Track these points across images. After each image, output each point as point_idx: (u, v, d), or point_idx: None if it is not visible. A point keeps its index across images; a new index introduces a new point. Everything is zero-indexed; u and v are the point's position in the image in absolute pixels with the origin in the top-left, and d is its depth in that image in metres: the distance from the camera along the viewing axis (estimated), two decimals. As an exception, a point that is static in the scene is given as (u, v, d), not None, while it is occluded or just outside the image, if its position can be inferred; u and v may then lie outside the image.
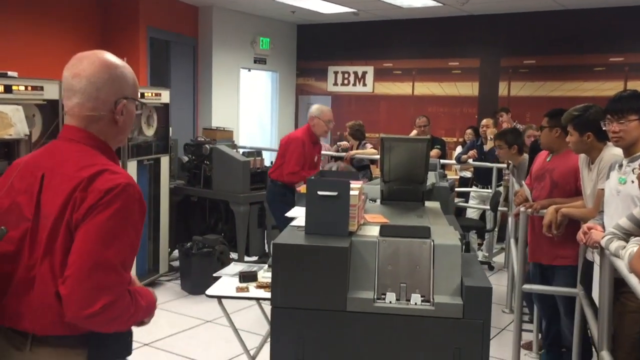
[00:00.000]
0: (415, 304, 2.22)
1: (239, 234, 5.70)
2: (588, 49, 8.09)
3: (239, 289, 3.13)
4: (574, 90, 8.20)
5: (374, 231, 2.43)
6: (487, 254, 7.00)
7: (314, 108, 5.05)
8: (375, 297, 2.23)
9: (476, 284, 2.19)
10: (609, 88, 7.73)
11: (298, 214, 2.61)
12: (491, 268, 6.70)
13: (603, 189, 3.13)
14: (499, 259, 6.98)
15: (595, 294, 3.07)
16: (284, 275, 2.22)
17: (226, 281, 3.30)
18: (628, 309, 2.71)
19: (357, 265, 2.28)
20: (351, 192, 2.38)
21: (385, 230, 2.39)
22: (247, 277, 3.21)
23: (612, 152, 3.25)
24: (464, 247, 6.49)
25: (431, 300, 2.22)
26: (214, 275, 3.41)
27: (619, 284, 2.65)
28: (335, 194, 2.34)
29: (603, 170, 3.23)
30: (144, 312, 1.63)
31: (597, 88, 7.98)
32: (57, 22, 6.90)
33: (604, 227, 2.98)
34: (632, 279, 2.19)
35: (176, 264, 5.85)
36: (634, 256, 2.15)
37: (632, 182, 2.85)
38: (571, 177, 3.67)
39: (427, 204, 3.26)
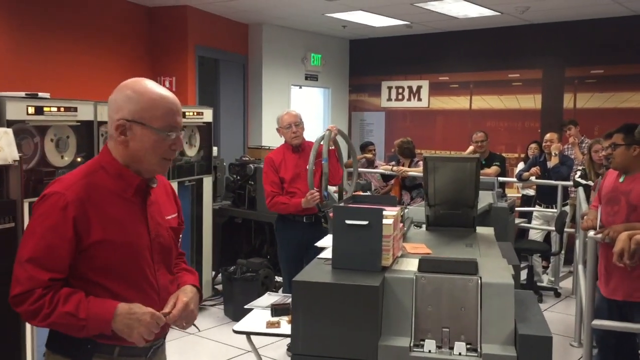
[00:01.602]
0: (460, 354, 1.89)
1: (283, 257, 5.44)
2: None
3: (269, 324, 2.87)
4: (645, 101, 7.60)
5: (412, 265, 2.12)
6: (552, 279, 6.49)
7: (278, 117, 4.58)
8: (411, 344, 1.91)
9: (533, 332, 1.83)
10: (687, 97, 7.11)
11: (328, 244, 2.33)
12: (557, 295, 6.19)
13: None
14: (566, 283, 6.46)
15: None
16: (305, 317, 1.93)
17: (257, 314, 3.05)
18: None
19: (391, 307, 1.97)
20: (385, 221, 2.08)
21: (424, 265, 2.07)
22: (280, 310, 2.94)
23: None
24: (527, 274, 5.95)
25: (478, 349, 1.88)
26: (245, 307, 3.16)
27: None
28: (365, 223, 2.05)
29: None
30: (74, 320, 1.67)
31: (670, 98, 7.35)
32: (105, 43, 6.90)
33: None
34: None
35: (221, 287, 5.66)
36: None
37: None
38: None
39: (480, 229, 2.91)
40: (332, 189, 4.77)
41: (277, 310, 2.94)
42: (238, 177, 5.93)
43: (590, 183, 5.35)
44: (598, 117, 7.74)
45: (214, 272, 5.78)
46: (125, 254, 1.78)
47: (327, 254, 2.21)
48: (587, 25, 7.91)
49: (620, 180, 3.41)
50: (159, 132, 1.79)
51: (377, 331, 1.91)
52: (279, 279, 5.55)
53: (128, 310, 1.72)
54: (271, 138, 8.45)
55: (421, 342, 1.92)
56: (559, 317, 5.55)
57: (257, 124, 8.62)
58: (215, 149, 5.74)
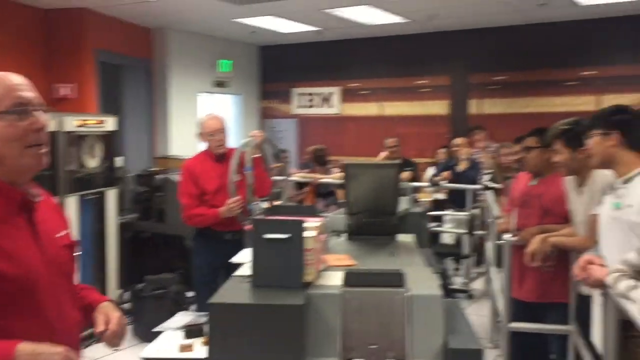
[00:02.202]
0: (389, 372, 1.78)
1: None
2: (558, 64, 7.85)
3: (182, 348, 2.66)
4: (545, 106, 7.93)
5: (336, 279, 2.00)
6: (465, 281, 6.61)
7: (199, 123, 4.03)
8: (339, 365, 1.79)
9: (463, 346, 1.76)
10: (582, 103, 7.49)
11: (245, 260, 2.16)
12: (470, 297, 6.29)
13: (596, 215, 2.75)
14: (478, 285, 6.59)
15: (596, 337, 2.68)
16: (223, 342, 1.77)
17: (169, 336, 2.82)
18: (638, 357, 2.31)
19: (316, 325, 1.84)
20: (306, 234, 1.95)
21: (350, 279, 1.96)
22: (193, 331, 2.73)
23: (604, 172, 2.88)
24: (441, 277, 6.00)
25: (408, 366, 1.79)
26: (153, 330, 2.92)
27: (626, 327, 2.26)
28: (286, 236, 1.91)
29: (596, 193, 2.86)
30: None
31: (569, 103, 7.72)
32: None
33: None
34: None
35: (129, 306, 5.32)
36: None
37: (631, 206, 2.48)
38: (564, 201, 3.29)
39: (400, 237, 2.85)
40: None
41: (190, 331, 2.74)
42: (145, 189, 5.61)
43: (499, 186, 5.48)
44: (501, 122, 8.01)
45: (121, 291, 5.43)
46: (18, 286, 1.51)
47: (245, 270, 2.05)
48: (489, 33, 8.19)
49: (532, 183, 3.46)
50: (5, 114, 1.48)
51: (302, 353, 1.77)
52: (192, 293, 5.30)
53: (32, 351, 1.43)
54: (180, 146, 8.15)
55: (349, 362, 1.80)
56: (472, 319, 5.59)
57: (165, 133, 8.27)
58: (119, 159, 5.40)
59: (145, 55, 8.17)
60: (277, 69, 9.81)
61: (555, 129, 3.07)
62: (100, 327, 1.66)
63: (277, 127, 9.99)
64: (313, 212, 2.36)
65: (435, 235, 7.08)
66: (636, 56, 7.37)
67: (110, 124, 5.12)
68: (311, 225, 2.03)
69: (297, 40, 9.25)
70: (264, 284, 1.91)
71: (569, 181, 3.19)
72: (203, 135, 3.97)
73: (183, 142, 8.36)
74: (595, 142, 2.58)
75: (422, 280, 2.00)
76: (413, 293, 1.87)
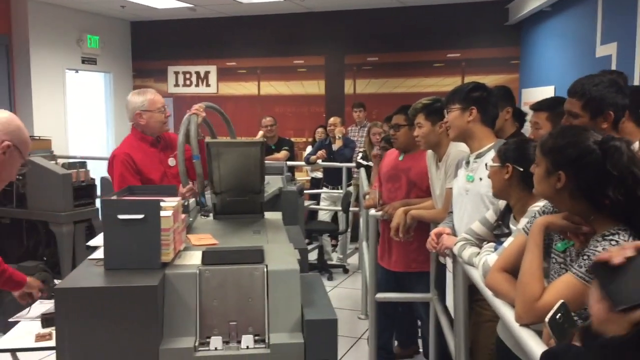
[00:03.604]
0: (247, 347, 1.80)
1: (62, 258, 4.94)
2: (427, 46, 8.21)
3: (39, 337, 2.53)
4: (416, 87, 8.28)
5: (196, 259, 1.98)
6: (341, 257, 6.81)
7: (136, 100, 3.43)
8: (196, 344, 1.78)
9: (319, 317, 1.81)
10: (449, 83, 7.88)
11: (99, 243, 2.09)
12: (346, 271, 6.51)
13: (451, 188, 2.93)
14: (354, 260, 6.82)
15: (449, 302, 2.87)
16: (73, 329, 1.70)
17: (26, 326, 2.67)
18: (483, 319, 2.50)
19: (173, 306, 1.82)
20: (163, 213, 1.91)
21: (208, 257, 1.95)
22: (51, 320, 2.60)
23: (459, 147, 3.06)
24: (318, 253, 6.07)
25: (266, 340, 1.82)
26: (10, 320, 2.76)
27: (473, 292, 2.43)
28: (141, 216, 1.86)
29: (450, 168, 3.04)
30: None
31: (437, 84, 8.12)
32: None
33: (454, 230, 2.78)
34: (487, 291, 1.95)
35: (-13, 298, 4.96)
36: (490, 272, 1.90)
37: (480, 179, 2.66)
38: (428, 175, 3.47)
39: (268, 215, 2.87)
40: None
41: (47, 320, 2.60)
42: (3, 172, 5.21)
43: (371, 164, 5.66)
44: (375, 102, 8.27)
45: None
46: None
47: (99, 254, 1.98)
48: (363, 14, 8.38)
49: (400, 158, 3.60)
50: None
51: (158, 335, 1.75)
52: (59, 282, 5.03)
53: None
54: (44, 127, 7.65)
55: (207, 340, 1.80)
56: (347, 292, 5.83)
57: (27, 112, 7.72)
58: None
59: (3, 31, 7.55)
60: (151, 46, 9.45)
61: (417, 104, 3.21)
62: None
63: (152, 106, 9.64)
64: (173, 192, 2.32)
65: (314, 213, 7.23)
66: (495, 40, 7.88)
67: (-42, 102, 4.70)
68: (169, 205, 1.99)
69: (171, 17, 8.95)
70: (118, 266, 1.85)
71: (429, 157, 3.37)
72: (147, 111, 3.40)
73: (48, 122, 7.86)
74: (453, 116, 2.72)
75: (281, 256, 2.03)
76: (271, 268, 1.89)
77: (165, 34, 9.30)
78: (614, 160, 1.58)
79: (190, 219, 2.62)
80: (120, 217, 1.84)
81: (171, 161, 3.42)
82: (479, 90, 2.71)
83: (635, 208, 1.58)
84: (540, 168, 1.73)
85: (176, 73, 9.45)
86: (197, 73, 9.34)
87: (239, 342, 1.82)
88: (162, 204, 1.94)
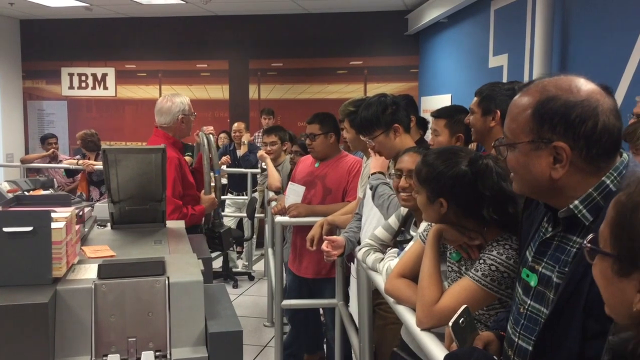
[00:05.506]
0: (148, 364, 1.72)
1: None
2: (331, 53, 8.32)
3: None
4: (320, 93, 8.38)
5: (91, 272, 1.87)
6: (247, 264, 6.74)
7: (179, 103, 3.39)
8: (92, 363, 1.68)
9: (223, 329, 1.76)
10: (352, 90, 8.05)
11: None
12: (251, 278, 6.44)
13: (362, 197, 2.98)
14: (259, 266, 6.77)
15: (352, 308, 2.90)
16: (-49, 354, 1.55)
17: None
18: (387, 322, 2.55)
19: (66, 323, 1.70)
20: (54, 225, 1.79)
21: (104, 270, 1.85)
22: None
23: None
24: (222, 261, 5.97)
25: (168, 356, 1.75)
26: None
27: (376, 295, 2.48)
28: (29, 229, 1.73)
29: (365, 177, 3.09)
30: None
31: (341, 90, 8.25)
32: None
33: (358, 234, 2.82)
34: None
35: None
36: (388, 279, 1.93)
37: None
38: (343, 182, 3.50)
39: (170, 224, 2.77)
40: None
41: None
42: None
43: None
44: (280, 107, 8.28)
45: None
46: None
47: (-18, 270, 1.82)
48: (267, 20, 8.37)
49: (316, 165, 3.61)
50: None
51: (49, 355, 1.63)
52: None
53: None
54: None
55: (104, 359, 1.71)
56: (252, 299, 5.78)
57: None
58: None
59: None
60: (43, 46, 8.94)
61: (345, 109, 3.21)
62: None
63: (45, 110, 9.15)
64: (67, 202, 2.19)
65: (218, 220, 7.10)
66: (396, 49, 8.11)
67: None
68: (61, 216, 1.87)
69: (65, 16, 8.53)
70: (5, 282, 1.71)
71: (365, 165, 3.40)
72: (189, 116, 3.36)
73: None
74: (380, 141, 2.64)
75: (184, 267, 1.96)
76: (173, 280, 1.82)
77: (58, 33, 8.85)
78: (484, 181, 1.68)
79: (86, 230, 2.49)
80: (6, 230, 1.71)
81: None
82: (387, 107, 2.64)
83: (509, 223, 1.67)
84: (422, 196, 1.79)
85: (70, 75, 9.01)
86: (94, 75, 8.95)
87: (139, 358, 1.73)
88: (53, 214, 1.82)
